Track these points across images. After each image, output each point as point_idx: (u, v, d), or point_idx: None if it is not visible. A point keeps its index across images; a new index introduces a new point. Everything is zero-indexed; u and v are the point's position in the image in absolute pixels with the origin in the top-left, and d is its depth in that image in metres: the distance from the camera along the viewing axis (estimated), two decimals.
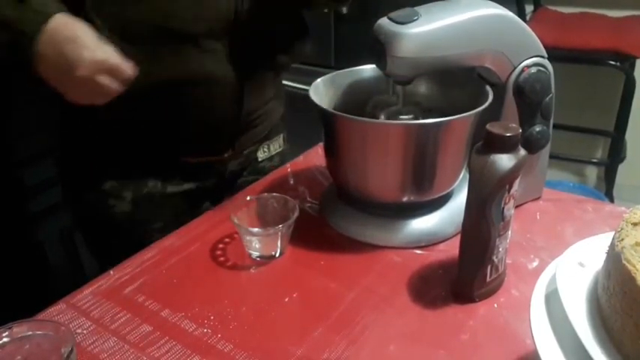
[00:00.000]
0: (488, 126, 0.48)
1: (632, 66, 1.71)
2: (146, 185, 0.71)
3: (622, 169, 1.90)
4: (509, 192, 0.49)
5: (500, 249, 0.52)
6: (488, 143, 0.48)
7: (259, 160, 0.82)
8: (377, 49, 0.61)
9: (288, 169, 0.81)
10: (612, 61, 1.65)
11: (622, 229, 0.33)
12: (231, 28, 0.65)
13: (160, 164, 0.71)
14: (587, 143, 2.06)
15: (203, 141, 0.72)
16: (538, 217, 0.68)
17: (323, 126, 0.63)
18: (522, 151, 0.49)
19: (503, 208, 0.49)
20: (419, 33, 0.58)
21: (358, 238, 0.63)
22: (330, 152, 0.65)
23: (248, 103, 0.71)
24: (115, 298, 0.55)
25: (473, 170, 0.49)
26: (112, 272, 0.58)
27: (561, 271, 0.36)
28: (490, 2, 0.62)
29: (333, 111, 0.59)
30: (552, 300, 0.36)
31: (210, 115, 0.69)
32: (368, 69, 0.71)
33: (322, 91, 0.67)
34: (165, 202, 0.67)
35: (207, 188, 0.73)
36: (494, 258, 0.51)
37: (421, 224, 0.63)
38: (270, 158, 0.85)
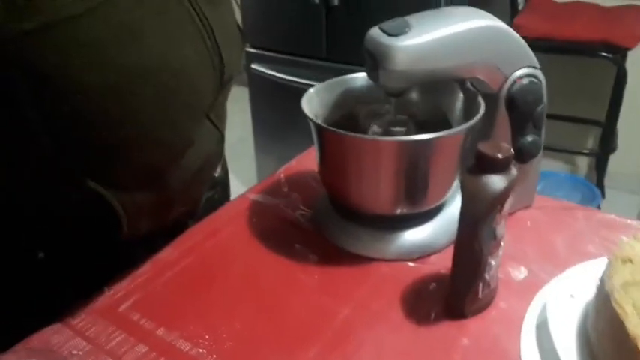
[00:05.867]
0: (479, 146, 0.48)
1: (624, 57, 1.72)
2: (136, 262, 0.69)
3: (613, 159, 1.92)
4: (500, 212, 0.49)
5: (493, 266, 0.52)
6: (480, 164, 0.48)
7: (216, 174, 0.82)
8: (368, 61, 0.61)
9: (282, 175, 0.81)
10: (604, 52, 1.66)
11: (611, 264, 0.34)
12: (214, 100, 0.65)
13: None
14: (578, 133, 2.08)
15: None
16: (529, 225, 0.68)
17: (315, 137, 0.63)
18: (514, 171, 0.49)
19: (495, 228, 0.50)
20: (410, 46, 0.57)
21: (350, 250, 0.63)
22: (322, 163, 0.65)
23: None
24: (110, 316, 0.55)
25: (464, 191, 0.49)
26: (106, 289, 0.59)
27: (552, 303, 0.36)
28: (481, 12, 0.62)
29: (323, 125, 0.59)
30: (543, 330, 0.37)
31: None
32: (361, 77, 0.70)
33: (315, 101, 0.66)
34: None
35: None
36: (485, 275, 0.52)
37: (414, 235, 0.63)
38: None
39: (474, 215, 0.49)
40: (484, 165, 0.48)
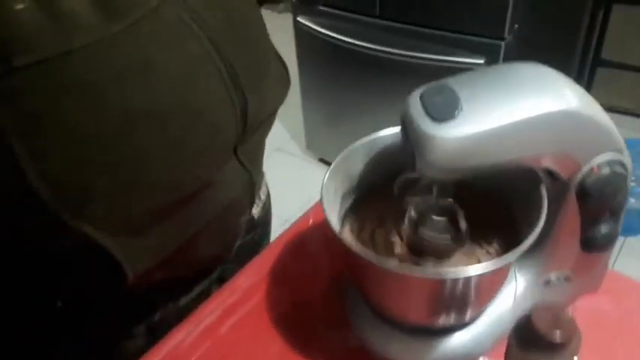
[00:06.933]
0: (533, 318, 0.38)
1: None
2: (156, 311, 0.64)
3: None
4: None
5: None
6: (533, 340, 0.39)
7: (255, 216, 0.74)
8: (404, 137, 0.50)
9: (310, 221, 0.72)
10: None
11: None
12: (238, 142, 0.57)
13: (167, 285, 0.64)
14: None
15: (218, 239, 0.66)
16: (586, 320, 0.57)
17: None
18: (576, 343, 0.39)
19: None
20: (458, 138, 0.45)
21: (384, 355, 0.56)
22: (347, 265, 0.56)
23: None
24: None
25: None
26: None
27: None
28: (550, 73, 0.48)
29: (346, 244, 0.49)
30: None
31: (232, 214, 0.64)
32: (392, 135, 0.58)
33: (337, 177, 0.56)
34: (179, 316, 0.62)
35: (216, 279, 0.67)
36: None
37: (454, 341, 0.54)
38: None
39: None
40: (538, 343, 0.38)
